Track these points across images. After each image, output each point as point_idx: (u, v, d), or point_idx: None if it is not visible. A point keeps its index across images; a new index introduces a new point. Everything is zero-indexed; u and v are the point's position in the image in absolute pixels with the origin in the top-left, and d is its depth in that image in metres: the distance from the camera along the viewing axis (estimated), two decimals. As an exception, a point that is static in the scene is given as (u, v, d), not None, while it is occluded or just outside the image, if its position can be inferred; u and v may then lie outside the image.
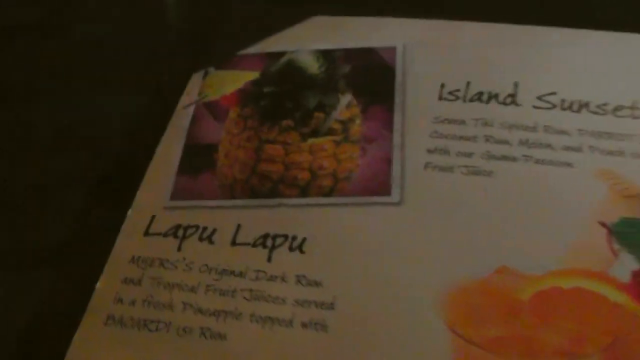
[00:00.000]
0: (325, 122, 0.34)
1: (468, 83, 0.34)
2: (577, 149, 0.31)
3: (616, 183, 0.30)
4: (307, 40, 0.38)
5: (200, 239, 0.30)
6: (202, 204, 0.32)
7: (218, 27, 0.42)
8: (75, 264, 0.31)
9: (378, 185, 0.31)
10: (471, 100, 0.34)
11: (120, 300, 0.29)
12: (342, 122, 0.34)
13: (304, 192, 0.32)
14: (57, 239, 0.33)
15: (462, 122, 0.33)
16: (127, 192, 0.33)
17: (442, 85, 0.34)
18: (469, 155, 0.32)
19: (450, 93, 0.34)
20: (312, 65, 0.36)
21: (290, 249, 0.29)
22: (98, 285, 0.29)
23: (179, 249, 0.30)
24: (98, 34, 0.42)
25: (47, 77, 0.40)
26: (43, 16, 0.43)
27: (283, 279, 0.29)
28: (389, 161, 0.32)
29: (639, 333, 0.26)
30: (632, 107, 0.32)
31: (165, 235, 0.30)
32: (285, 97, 0.35)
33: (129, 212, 0.32)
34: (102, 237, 0.31)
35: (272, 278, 0.29)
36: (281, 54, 0.37)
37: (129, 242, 0.31)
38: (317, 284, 0.28)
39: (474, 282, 0.28)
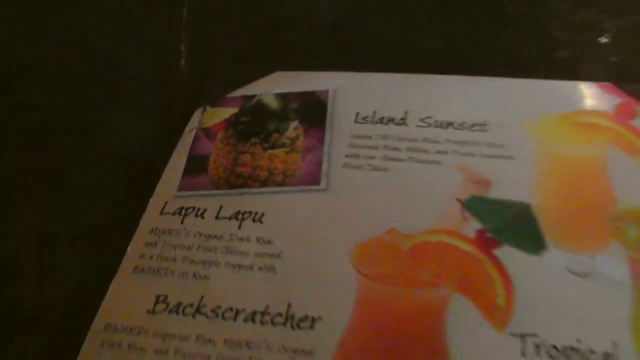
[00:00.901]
0: (279, 139, 0.38)
1: (374, 112, 0.38)
2: (444, 152, 0.36)
3: (469, 173, 0.34)
4: (271, 87, 0.41)
5: (196, 216, 0.34)
6: (198, 194, 0.36)
7: (212, 78, 0.44)
8: (114, 235, 0.35)
9: (312, 178, 0.35)
10: (376, 122, 0.38)
11: (143, 257, 0.33)
12: (290, 139, 0.37)
13: (264, 184, 0.36)
14: (101, 220, 0.37)
15: (369, 137, 0.37)
16: (149, 187, 0.36)
17: (357, 114, 0.38)
18: (372, 158, 0.36)
19: (362, 119, 0.38)
20: (273, 103, 0.39)
21: (253, 220, 0.34)
22: (129, 247, 0.34)
23: (181, 222, 0.34)
24: (130, 82, 0.44)
25: (94, 111, 0.43)
26: (89, 68, 0.46)
27: (248, 240, 0.33)
28: (320, 163, 0.36)
29: (480, 270, 0.31)
30: (481, 124, 0.37)
31: (173, 214, 0.35)
32: (254, 124, 0.39)
33: (151, 200, 0.36)
34: (132, 217, 0.35)
35: (241, 239, 0.33)
36: (253, 96, 0.40)
37: (150, 219, 0.35)
38: (269, 242, 0.33)
39: (372, 239, 0.32)
